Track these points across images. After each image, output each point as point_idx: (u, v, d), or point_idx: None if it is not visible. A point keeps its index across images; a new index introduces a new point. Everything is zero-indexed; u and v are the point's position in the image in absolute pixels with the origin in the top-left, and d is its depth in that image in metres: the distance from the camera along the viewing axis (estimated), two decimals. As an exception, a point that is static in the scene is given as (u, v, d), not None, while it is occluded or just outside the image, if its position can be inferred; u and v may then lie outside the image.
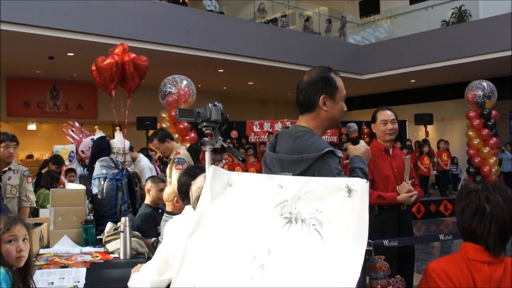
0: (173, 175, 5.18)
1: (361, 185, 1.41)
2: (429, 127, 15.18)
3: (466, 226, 1.87)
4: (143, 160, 7.13)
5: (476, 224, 1.84)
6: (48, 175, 6.61)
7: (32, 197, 4.96)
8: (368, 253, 2.81)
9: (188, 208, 2.90)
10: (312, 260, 1.39)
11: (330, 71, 2.39)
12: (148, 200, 4.46)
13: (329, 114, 2.34)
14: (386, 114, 3.91)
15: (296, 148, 2.26)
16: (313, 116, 2.36)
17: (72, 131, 9.06)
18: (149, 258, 3.18)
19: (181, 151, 5.49)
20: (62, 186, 6.84)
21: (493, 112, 11.79)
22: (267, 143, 13.74)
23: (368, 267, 2.84)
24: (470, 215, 1.86)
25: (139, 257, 3.59)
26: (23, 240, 2.41)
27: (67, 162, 9.22)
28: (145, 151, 8.85)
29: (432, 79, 16.06)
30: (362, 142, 2.49)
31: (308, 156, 2.18)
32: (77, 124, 9.20)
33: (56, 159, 7.73)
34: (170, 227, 2.90)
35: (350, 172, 2.33)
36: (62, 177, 8.05)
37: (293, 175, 2.13)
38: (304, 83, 2.40)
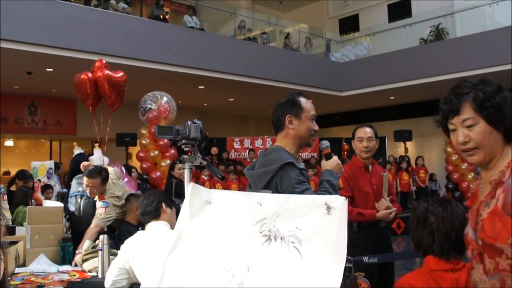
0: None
1: (340, 202, 1.41)
2: (409, 144, 15.34)
3: (415, 240, 2.08)
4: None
5: (421, 235, 2.04)
6: (20, 191, 6.44)
7: (8, 215, 4.88)
8: (348, 270, 2.82)
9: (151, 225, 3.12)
10: (292, 278, 1.39)
11: (298, 95, 2.65)
12: (130, 218, 4.41)
13: (296, 132, 2.58)
14: (363, 132, 3.92)
15: (264, 163, 2.51)
16: (284, 135, 2.62)
17: None
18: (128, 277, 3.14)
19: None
20: (36, 202, 6.70)
21: (471, 128, 11.94)
22: (247, 160, 13.69)
23: (348, 284, 2.83)
24: (416, 227, 2.08)
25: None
26: (-2, 260, 2.35)
27: (44, 179, 9.09)
28: (125, 167, 8.79)
29: (411, 96, 16.25)
30: (334, 157, 2.67)
31: (269, 168, 2.43)
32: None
33: (23, 174, 7.28)
34: (132, 243, 3.01)
35: (319, 184, 2.54)
36: (39, 194, 7.89)
37: (261, 187, 2.42)
38: (275, 106, 2.67)
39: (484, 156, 1.76)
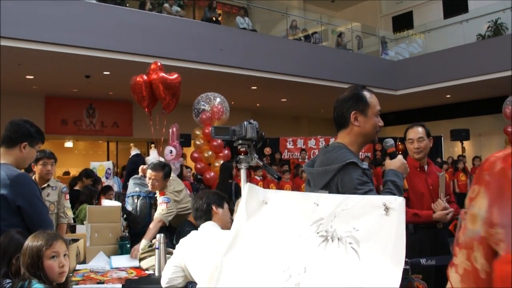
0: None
1: (398, 203, 1.39)
2: (466, 143, 14.91)
3: None
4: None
5: None
6: (86, 190, 6.64)
7: (70, 213, 5.03)
8: (405, 272, 2.78)
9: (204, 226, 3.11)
10: (349, 279, 1.38)
11: (362, 89, 2.46)
12: (192, 217, 4.47)
13: (362, 129, 2.42)
14: (413, 132, 3.83)
15: (324, 161, 2.38)
16: (347, 132, 2.44)
17: None
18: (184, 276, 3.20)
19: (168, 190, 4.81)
20: (97, 202, 6.88)
21: (533, 127, 11.52)
22: (299, 160, 13.61)
23: (405, 287, 2.79)
24: None
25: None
26: (64, 256, 2.46)
27: (103, 179, 9.32)
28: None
29: (468, 94, 15.77)
30: (399, 156, 2.55)
31: (330, 168, 2.28)
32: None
33: (86, 173, 7.43)
34: (186, 242, 3.03)
35: (383, 184, 2.41)
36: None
37: (320, 186, 2.29)
38: (337, 101, 2.49)
39: None
